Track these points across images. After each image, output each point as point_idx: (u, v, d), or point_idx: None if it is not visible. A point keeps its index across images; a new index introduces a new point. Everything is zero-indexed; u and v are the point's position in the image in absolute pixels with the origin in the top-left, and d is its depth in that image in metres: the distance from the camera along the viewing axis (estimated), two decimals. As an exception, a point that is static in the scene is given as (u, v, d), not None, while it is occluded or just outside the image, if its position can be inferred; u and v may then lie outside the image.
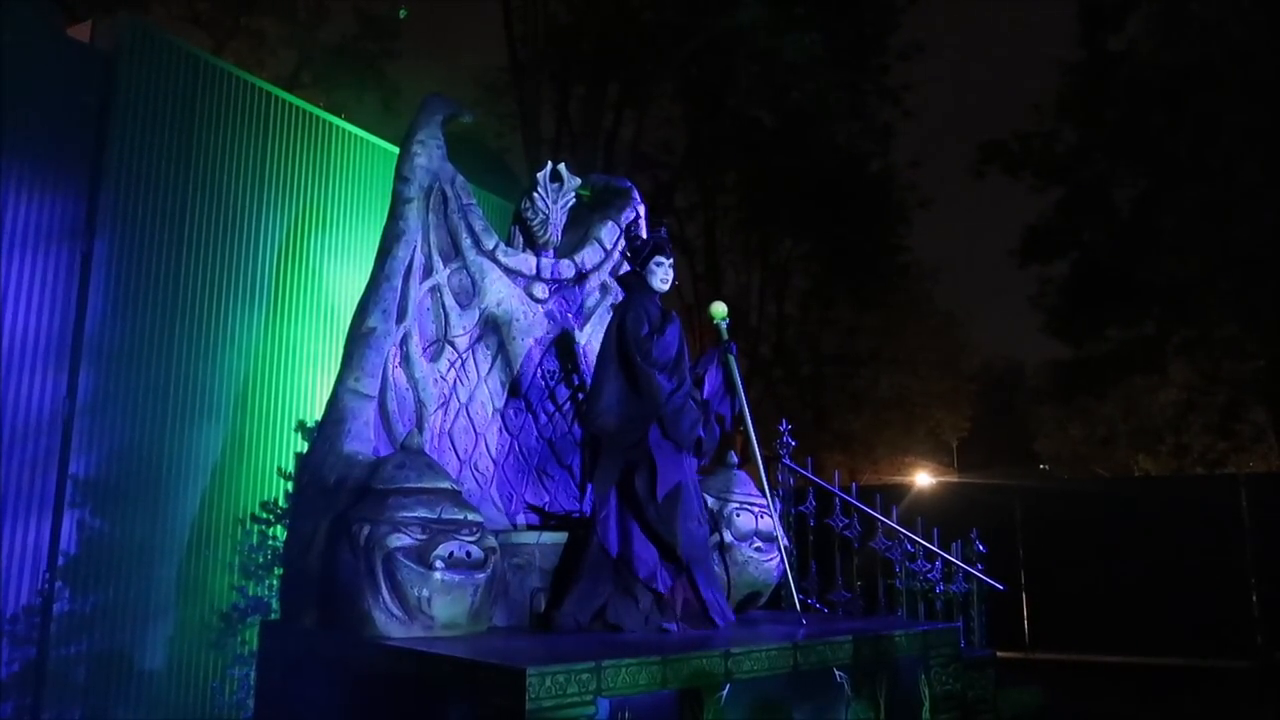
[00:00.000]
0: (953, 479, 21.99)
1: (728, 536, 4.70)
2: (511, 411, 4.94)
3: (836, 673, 3.78)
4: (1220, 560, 10.99)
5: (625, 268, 5.45)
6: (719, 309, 4.68)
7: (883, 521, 6.95)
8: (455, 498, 3.93)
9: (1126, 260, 17.38)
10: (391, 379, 4.49)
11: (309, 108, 7.13)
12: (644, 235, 4.68)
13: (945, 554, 6.84)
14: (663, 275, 4.58)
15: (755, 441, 4.91)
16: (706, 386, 4.50)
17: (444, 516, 3.77)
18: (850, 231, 19.42)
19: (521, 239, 5.20)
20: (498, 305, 4.90)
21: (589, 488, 4.42)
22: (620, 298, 5.39)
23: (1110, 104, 18.03)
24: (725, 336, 4.60)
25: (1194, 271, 16.30)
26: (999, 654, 6.69)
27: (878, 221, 20.19)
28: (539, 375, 5.03)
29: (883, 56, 19.21)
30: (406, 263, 4.63)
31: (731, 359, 4.57)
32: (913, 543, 6.87)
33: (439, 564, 3.64)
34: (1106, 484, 17.44)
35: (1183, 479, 17.70)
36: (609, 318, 5.33)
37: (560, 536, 4.48)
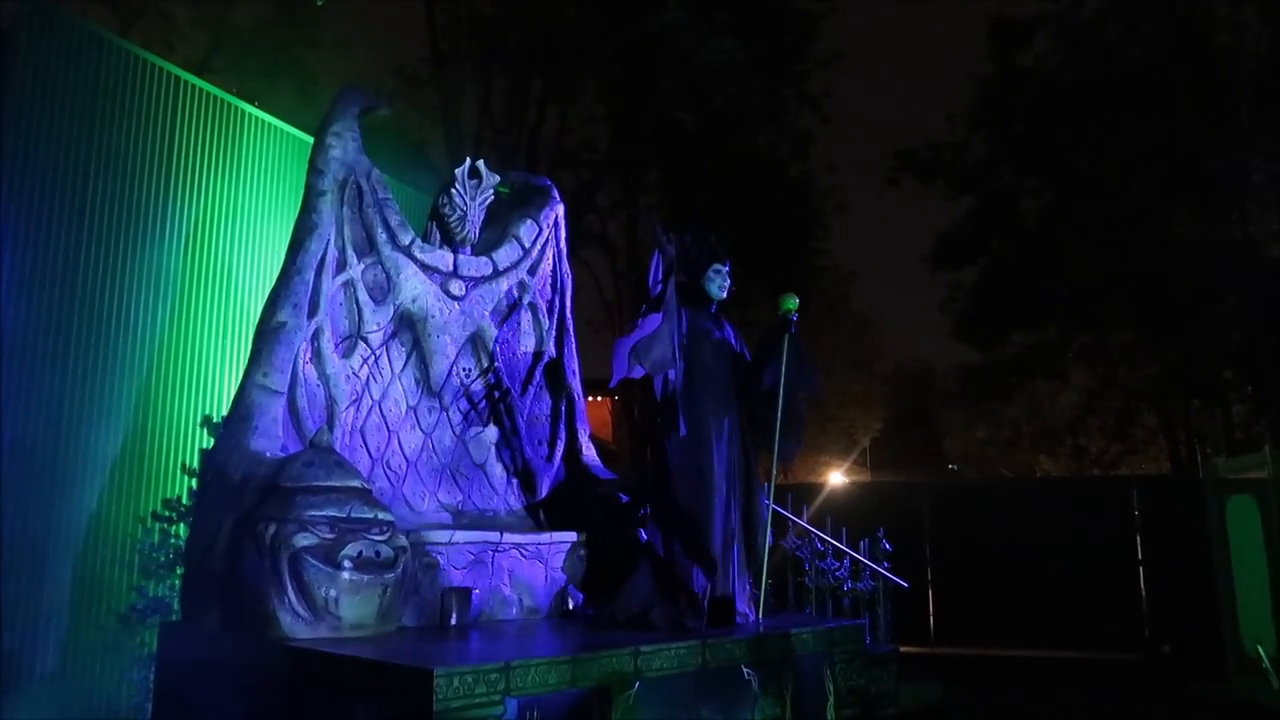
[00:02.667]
0: (864, 479, 22.51)
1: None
2: (425, 409, 4.89)
3: (745, 670, 3.86)
4: (1113, 558, 11.49)
5: (549, 268, 5.46)
6: (791, 300, 4.53)
7: (793, 521, 7.09)
8: (365, 496, 3.88)
9: (1031, 269, 18.05)
10: (302, 375, 4.40)
11: (220, 94, 6.93)
12: (693, 243, 4.50)
13: (853, 552, 7.02)
14: (720, 282, 4.48)
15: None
16: (769, 374, 4.43)
17: (353, 515, 3.72)
18: (770, 234, 19.67)
19: (439, 235, 5.14)
20: (413, 301, 4.84)
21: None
22: (536, 296, 5.39)
23: (1018, 118, 18.70)
24: (792, 327, 4.46)
25: (1093, 281, 17.02)
26: (903, 649, 6.88)
27: (797, 225, 20.49)
28: (454, 373, 4.99)
29: (803, 63, 19.52)
30: (319, 256, 4.54)
31: (787, 341, 4.43)
32: (822, 541, 7.03)
33: (347, 563, 3.59)
34: (1009, 484, 18.11)
35: (1080, 480, 18.49)
36: (526, 315, 5.35)
37: (472, 535, 4.47)
